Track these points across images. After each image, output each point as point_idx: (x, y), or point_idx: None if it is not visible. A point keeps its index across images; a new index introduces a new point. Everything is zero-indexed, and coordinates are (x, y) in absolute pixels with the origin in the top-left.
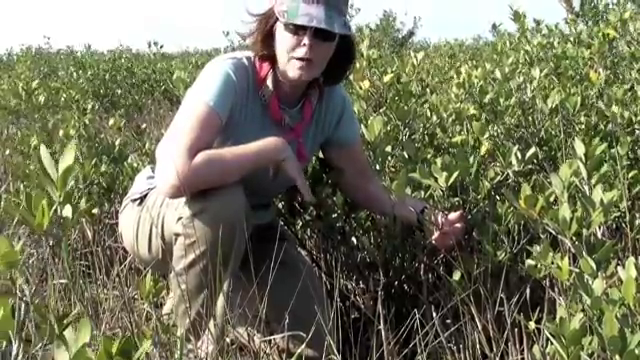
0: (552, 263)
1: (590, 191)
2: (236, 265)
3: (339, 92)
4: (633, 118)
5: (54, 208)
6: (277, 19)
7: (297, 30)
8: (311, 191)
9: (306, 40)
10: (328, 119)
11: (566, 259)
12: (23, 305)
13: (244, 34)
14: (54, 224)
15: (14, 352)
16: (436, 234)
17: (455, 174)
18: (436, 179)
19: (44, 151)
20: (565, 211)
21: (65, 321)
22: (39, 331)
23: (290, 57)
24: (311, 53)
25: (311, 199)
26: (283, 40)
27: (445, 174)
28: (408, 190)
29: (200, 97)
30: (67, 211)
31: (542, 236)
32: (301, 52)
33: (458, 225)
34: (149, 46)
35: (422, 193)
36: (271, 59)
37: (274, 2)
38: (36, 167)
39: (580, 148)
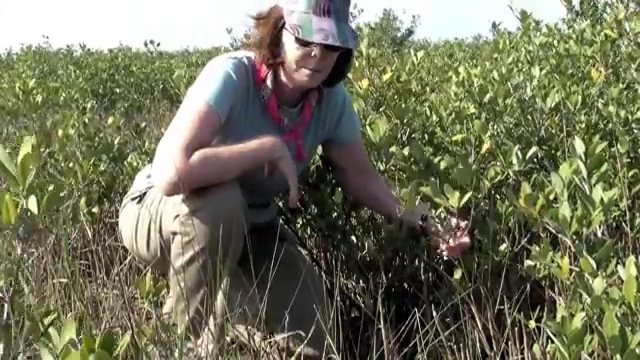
0: (552, 262)
1: (590, 190)
2: (234, 263)
3: (340, 91)
4: (629, 117)
5: (21, 202)
6: (284, 24)
7: (308, 43)
8: (312, 191)
9: (316, 52)
10: (329, 118)
11: (566, 258)
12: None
13: (249, 42)
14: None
15: (0, 352)
16: (442, 246)
17: (467, 195)
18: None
19: None
20: (565, 210)
21: (46, 320)
22: (22, 330)
23: (299, 66)
24: (321, 64)
25: (294, 204)
26: (293, 50)
27: (457, 194)
28: None
29: (200, 96)
30: (32, 204)
31: (542, 235)
32: (311, 63)
33: (465, 240)
34: (145, 45)
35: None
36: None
37: (280, 6)
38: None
39: (580, 147)
